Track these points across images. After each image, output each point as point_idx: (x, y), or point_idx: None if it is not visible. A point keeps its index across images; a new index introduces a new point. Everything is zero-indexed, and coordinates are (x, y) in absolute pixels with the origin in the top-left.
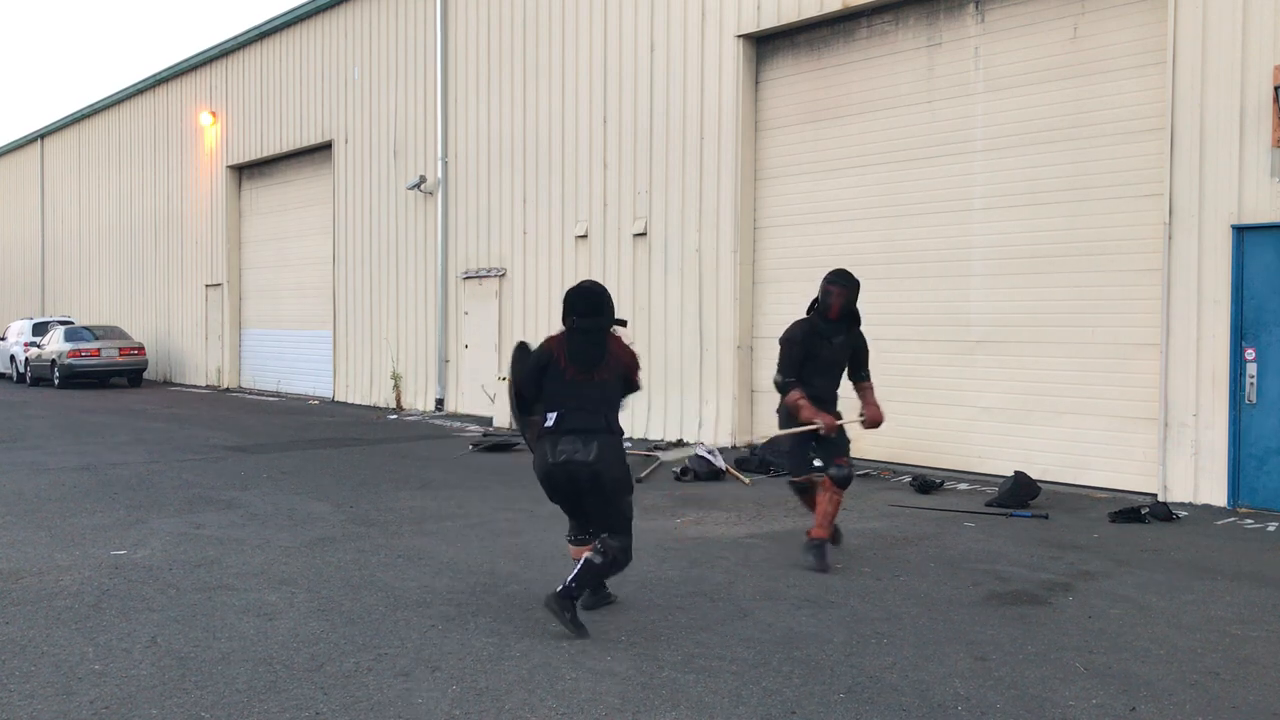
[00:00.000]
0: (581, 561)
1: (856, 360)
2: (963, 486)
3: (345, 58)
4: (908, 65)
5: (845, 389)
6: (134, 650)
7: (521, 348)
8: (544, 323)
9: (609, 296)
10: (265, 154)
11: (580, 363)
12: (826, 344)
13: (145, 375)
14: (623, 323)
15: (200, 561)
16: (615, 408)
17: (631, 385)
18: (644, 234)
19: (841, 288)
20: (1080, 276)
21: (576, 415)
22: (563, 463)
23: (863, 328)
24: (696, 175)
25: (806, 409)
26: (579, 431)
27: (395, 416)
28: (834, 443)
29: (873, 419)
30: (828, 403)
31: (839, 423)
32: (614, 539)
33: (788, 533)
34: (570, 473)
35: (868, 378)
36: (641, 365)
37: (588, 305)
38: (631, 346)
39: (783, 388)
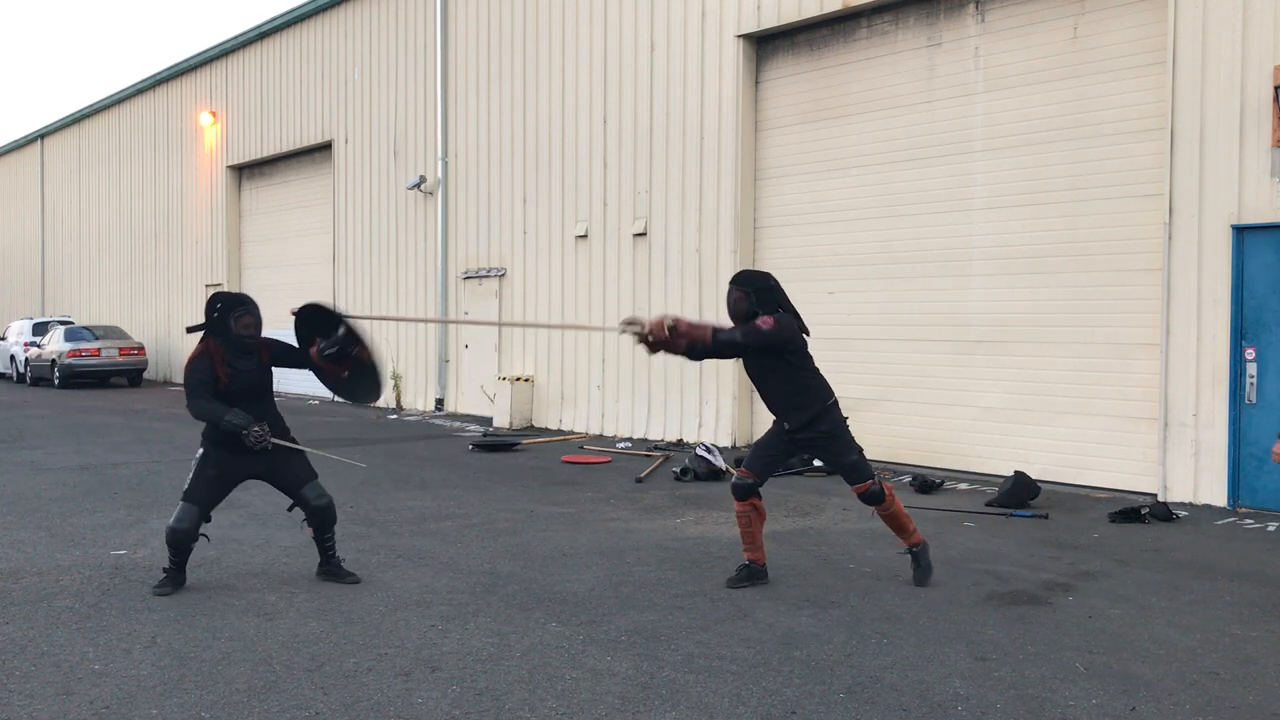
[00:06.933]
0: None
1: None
2: (963, 486)
3: (345, 58)
4: (908, 65)
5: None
6: (134, 650)
7: None
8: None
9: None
10: (265, 154)
11: None
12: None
13: (145, 375)
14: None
15: (200, 561)
16: None
17: None
18: (644, 234)
19: (730, 290)
20: (1080, 276)
21: None
22: None
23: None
24: (696, 175)
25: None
26: None
27: (395, 416)
28: (845, 466)
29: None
30: (779, 406)
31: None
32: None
33: (788, 533)
34: None
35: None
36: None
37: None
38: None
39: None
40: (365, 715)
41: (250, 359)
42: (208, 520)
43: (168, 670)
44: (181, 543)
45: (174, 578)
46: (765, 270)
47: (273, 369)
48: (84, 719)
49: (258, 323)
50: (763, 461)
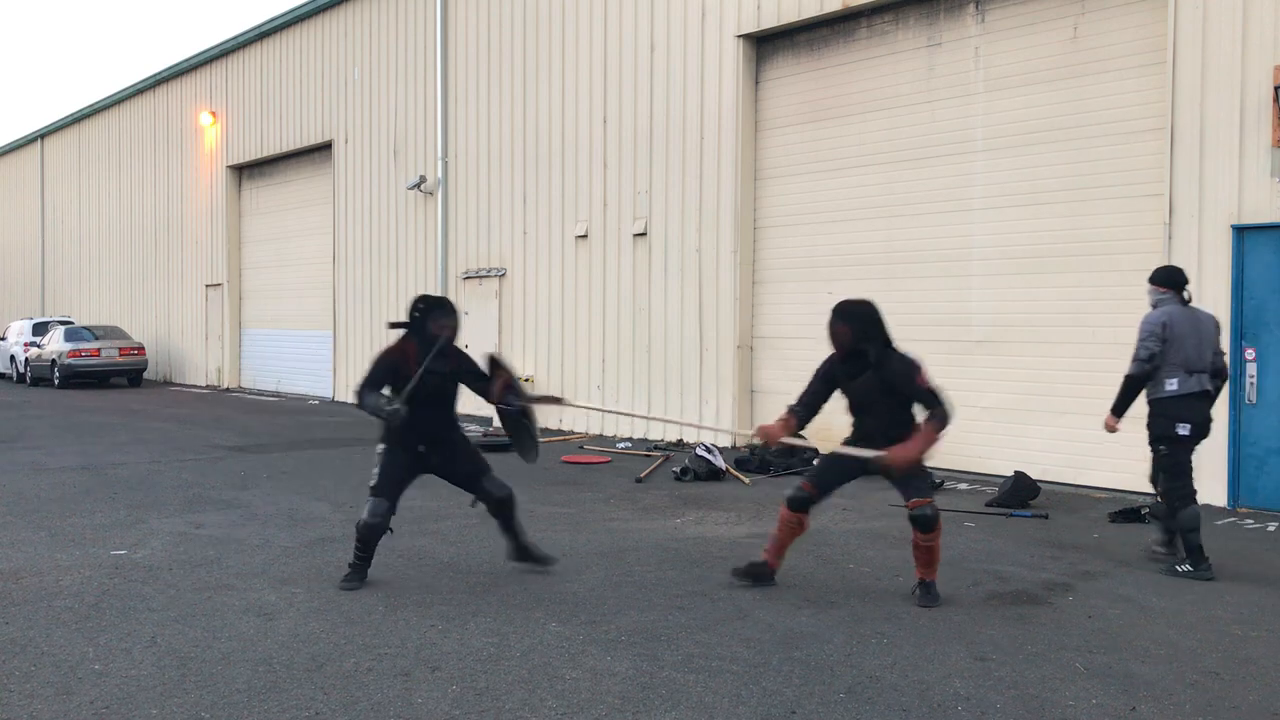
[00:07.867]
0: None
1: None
2: (963, 486)
3: (345, 58)
4: (908, 65)
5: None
6: (134, 650)
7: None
8: (544, 323)
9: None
10: (265, 154)
11: None
12: (849, 381)
13: (145, 375)
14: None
15: (200, 561)
16: None
17: None
18: (644, 234)
19: (833, 321)
20: (1080, 276)
21: None
22: None
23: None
24: (696, 175)
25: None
26: None
27: None
28: (905, 478)
29: (889, 458)
30: (875, 439)
31: (793, 441)
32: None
33: None
34: None
35: (930, 415)
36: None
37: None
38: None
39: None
40: (365, 715)
41: (442, 363)
42: (394, 513)
43: (168, 670)
44: (373, 536)
45: (359, 572)
46: (866, 299)
47: (457, 381)
48: (84, 719)
49: (455, 328)
50: (830, 480)
